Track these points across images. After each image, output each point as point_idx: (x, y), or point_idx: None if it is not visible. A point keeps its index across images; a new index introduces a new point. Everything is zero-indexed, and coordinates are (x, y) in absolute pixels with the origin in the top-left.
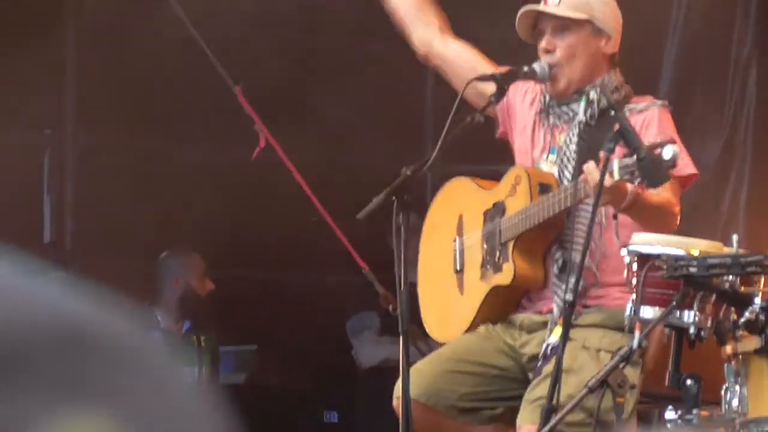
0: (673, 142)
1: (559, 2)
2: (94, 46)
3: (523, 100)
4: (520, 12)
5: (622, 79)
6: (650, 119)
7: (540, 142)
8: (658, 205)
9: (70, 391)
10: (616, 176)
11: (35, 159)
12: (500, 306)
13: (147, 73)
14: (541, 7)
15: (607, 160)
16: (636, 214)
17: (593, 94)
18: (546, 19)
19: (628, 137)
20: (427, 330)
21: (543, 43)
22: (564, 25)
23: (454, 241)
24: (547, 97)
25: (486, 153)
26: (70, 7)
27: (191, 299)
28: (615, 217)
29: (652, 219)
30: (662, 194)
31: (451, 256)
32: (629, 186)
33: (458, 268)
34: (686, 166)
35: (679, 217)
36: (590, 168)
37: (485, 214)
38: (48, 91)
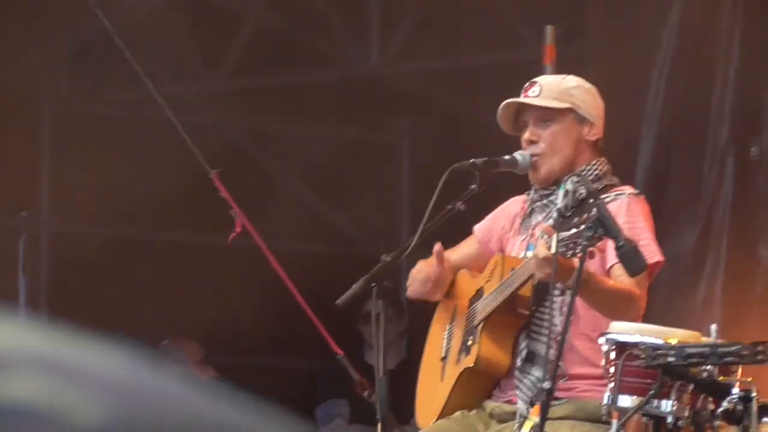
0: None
1: (540, 93)
2: (69, 131)
3: (507, 222)
4: (501, 105)
5: (607, 168)
6: (618, 208)
7: (520, 243)
8: (614, 291)
9: None
10: (553, 249)
11: (11, 241)
12: (471, 390)
13: (123, 158)
14: (521, 99)
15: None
16: (589, 297)
17: (569, 185)
18: (528, 110)
19: (606, 224)
20: (416, 418)
21: (527, 135)
22: (547, 115)
23: (445, 330)
24: (532, 193)
25: (463, 238)
26: (45, 92)
27: None
28: (561, 293)
29: (610, 305)
30: (623, 281)
31: (441, 345)
32: (576, 262)
33: (443, 355)
34: (652, 255)
35: (644, 306)
36: (537, 244)
37: (470, 301)
38: (23, 176)
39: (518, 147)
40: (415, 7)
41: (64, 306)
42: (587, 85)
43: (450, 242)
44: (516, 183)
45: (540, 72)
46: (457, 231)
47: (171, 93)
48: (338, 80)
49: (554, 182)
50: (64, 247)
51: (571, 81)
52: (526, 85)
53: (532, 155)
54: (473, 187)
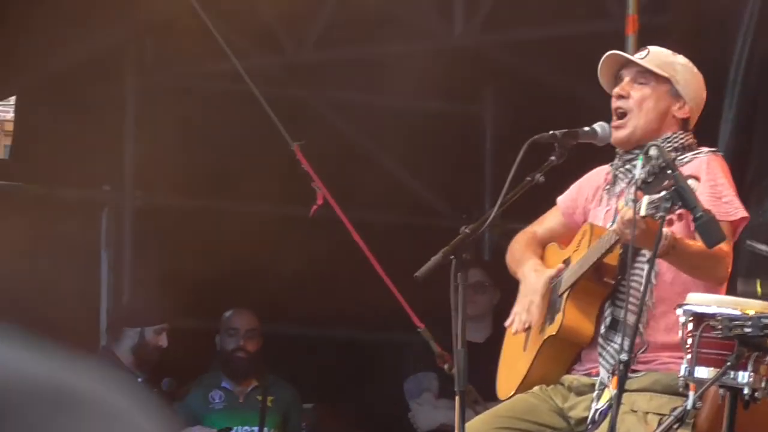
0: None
1: (646, 56)
2: (153, 105)
3: (591, 192)
4: (606, 54)
5: (693, 141)
6: (699, 166)
7: (605, 214)
8: (701, 253)
9: None
10: (642, 212)
11: (94, 215)
12: (553, 360)
13: (206, 132)
14: (627, 54)
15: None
16: (677, 261)
17: (653, 151)
18: (629, 68)
19: (684, 196)
20: (497, 390)
21: (618, 89)
22: (644, 77)
23: None
24: (616, 160)
25: (544, 211)
26: (130, 67)
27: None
28: (651, 262)
29: (698, 266)
30: None
31: None
32: (665, 230)
33: (527, 326)
34: (736, 210)
35: (730, 263)
36: (621, 206)
37: (558, 271)
38: (108, 149)
39: (601, 119)
40: None
41: (145, 279)
42: (695, 69)
43: (528, 213)
44: (599, 155)
45: (622, 43)
46: (541, 203)
47: (254, 66)
48: (422, 52)
49: (635, 145)
50: (146, 220)
51: (681, 59)
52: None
53: (617, 109)
54: (552, 158)
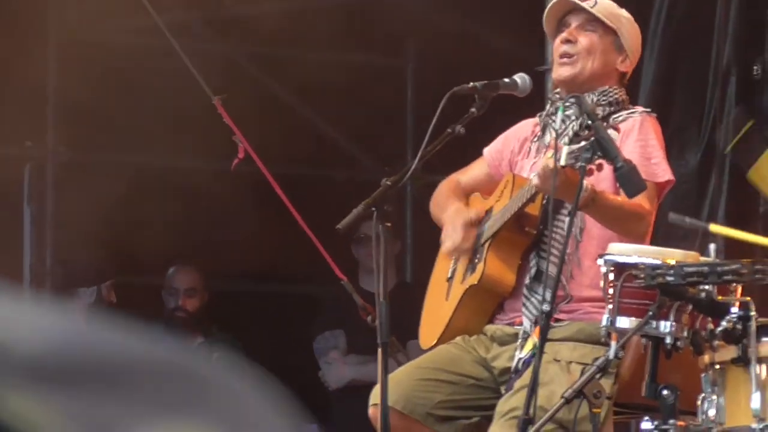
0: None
1: (595, 5)
2: (73, 59)
3: (518, 144)
4: (552, 2)
5: (626, 98)
6: (631, 127)
7: (531, 166)
8: (623, 207)
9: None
10: (563, 162)
11: (17, 170)
12: (474, 310)
13: (127, 86)
14: (577, 1)
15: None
16: (597, 213)
17: (574, 101)
18: (576, 14)
19: (604, 146)
20: (419, 340)
21: (565, 33)
22: (592, 25)
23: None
24: (547, 107)
25: (467, 163)
26: (51, 23)
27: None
28: (572, 213)
29: (619, 221)
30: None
31: (448, 267)
32: (584, 182)
33: (449, 275)
34: (664, 172)
35: (652, 222)
36: (542, 159)
37: (480, 221)
38: (29, 105)
39: (524, 71)
40: None
41: (68, 235)
42: (635, 24)
43: (450, 164)
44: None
45: None
46: (463, 155)
47: (174, 20)
48: (341, 4)
49: (576, 88)
50: (69, 176)
51: (625, 12)
52: None
53: (564, 54)
54: (473, 110)
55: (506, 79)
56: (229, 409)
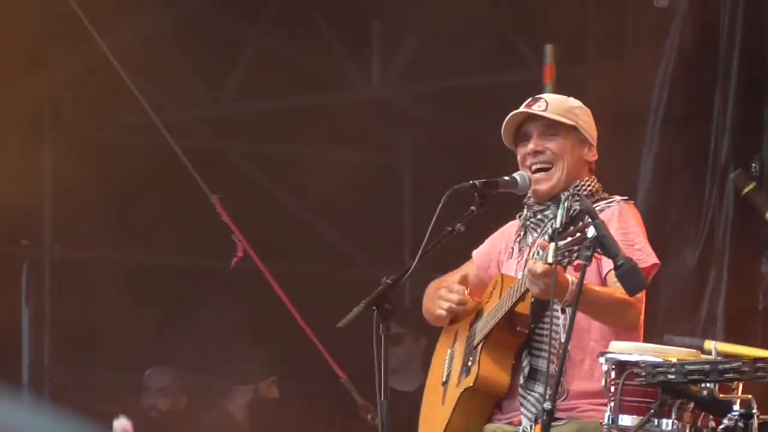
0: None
1: (546, 108)
2: (70, 157)
3: (503, 246)
4: (508, 116)
5: (598, 185)
6: (611, 216)
7: (517, 265)
8: (611, 299)
9: None
10: (549, 259)
11: (13, 269)
12: (472, 412)
13: (124, 185)
14: (532, 109)
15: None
16: (587, 308)
17: (569, 203)
18: (533, 122)
19: (605, 243)
20: None
21: (531, 146)
22: (552, 129)
23: (446, 354)
24: (525, 212)
25: (464, 260)
26: (47, 118)
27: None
28: (562, 311)
29: (608, 313)
30: (619, 287)
31: (443, 370)
32: (569, 277)
33: (444, 379)
34: (648, 257)
35: (642, 309)
36: (533, 256)
37: (471, 323)
38: (26, 204)
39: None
40: (415, 30)
41: (66, 331)
42: (586, 108)
43: (448, 263)
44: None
45: (541, 91)
46: (463, 252)
47: (172, 118)
48: (339, 104)
49: (553, 198)
50: (66, 273)
51: (574, 101)
52: (529, 100)
53: (535, 166)
54: (473, 208)
55: (506, 177)
56: None
